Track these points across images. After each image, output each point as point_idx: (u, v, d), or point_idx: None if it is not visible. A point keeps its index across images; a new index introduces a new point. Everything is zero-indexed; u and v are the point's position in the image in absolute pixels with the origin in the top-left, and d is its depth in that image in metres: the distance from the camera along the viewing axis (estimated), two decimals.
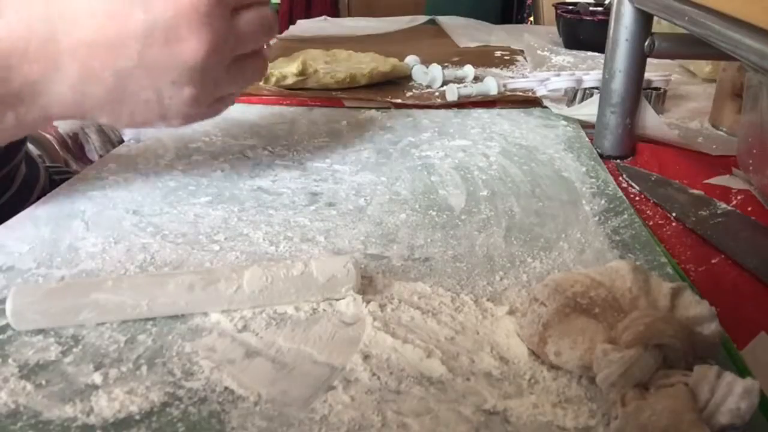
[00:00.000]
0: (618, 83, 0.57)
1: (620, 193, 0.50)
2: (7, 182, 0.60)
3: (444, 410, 0.28)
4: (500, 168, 0.55)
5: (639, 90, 0.58)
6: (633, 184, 0.53)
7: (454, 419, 0.27)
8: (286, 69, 0.76)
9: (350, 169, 0.54)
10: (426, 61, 0.86)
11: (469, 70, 0.83)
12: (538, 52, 1.02)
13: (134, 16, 0.36)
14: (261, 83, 0.76)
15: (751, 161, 0.52)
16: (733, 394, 0.25)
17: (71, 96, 0.38)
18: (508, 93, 0.75)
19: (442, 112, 0.70)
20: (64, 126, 0.84)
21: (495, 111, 0.70)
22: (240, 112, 0.68)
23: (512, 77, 0.84)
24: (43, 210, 0.45)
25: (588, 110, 0.64)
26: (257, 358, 0.31)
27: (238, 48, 0.41)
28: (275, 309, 0.34)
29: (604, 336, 0.28)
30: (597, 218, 0.46)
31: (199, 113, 0.43)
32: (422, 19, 1.29)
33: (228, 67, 0.41)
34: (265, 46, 0.46)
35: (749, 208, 0.49)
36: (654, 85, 0.72)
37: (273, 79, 0.76)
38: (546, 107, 0.70)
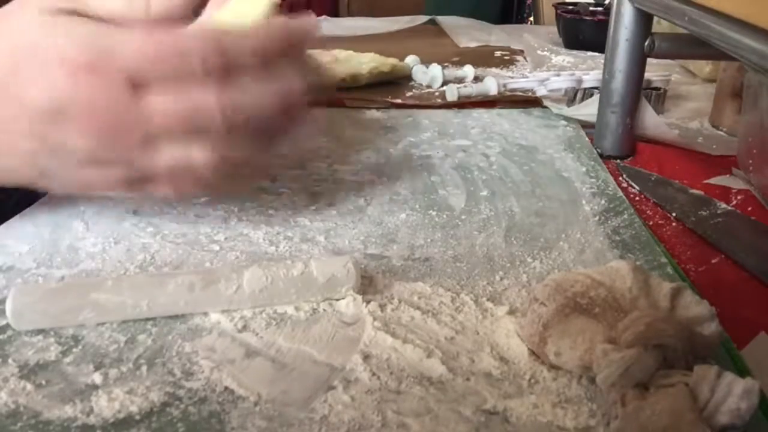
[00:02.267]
0: (618, 83, 0.57)
1: (620, 193, 0.50)
2: (10, 194, 0.60)
3: (444, 410, 0.28)
4: (500, 168, 0.55)
5: (639, 90, 0.58)
6: (633, 184, 0.53)
7: (454, 419, 0.27)
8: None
9: (350, 169, 0.54)
10: (426, 61, 0.86)
11: (469, 70, 0.83)
12: (538, 52, 1.02)
13: (19, 98, 0.34)
14: None
15: (751, 161, 0.52)
16: (733, 394, 0.25)
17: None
18: (508, 93, 0.75)
19: (442, 112, 0.70)
20: None
21: (495, 111, 0.70)
22: None
23: (512, 77, 0.83)
24: (43, 210, 0.45)
25: (588, 110, 0.64)
26: (257, 358, 0.31)
27: (150, 129, 0.34)
28: (275, 309, 0.34)
29: (604, 336, 0.28)
30: (597, 218, 0.46)
31: (128, 190, 0.37)
32: (422, 19, 1.29)
33: (142, 148, 0.34)
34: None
35: (749, 208, 0.49)
36: (654, 85, 0.72)
37: None
38: (546, 107, 0.70)
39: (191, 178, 0.36)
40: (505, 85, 0.76)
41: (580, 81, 0.72)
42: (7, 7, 0.36)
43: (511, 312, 0.34)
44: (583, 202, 0.48)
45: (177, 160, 0.35)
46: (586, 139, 0.62)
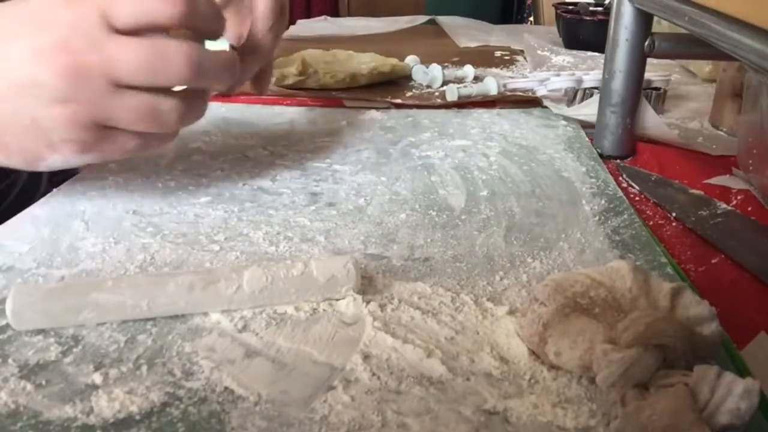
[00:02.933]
0: (618, 83, 0.57)
1: (620, 193, 0.50)
2: (7, 191, 0.60)
3: (444, 410, 0.28)
4: (500, 168, 0.55)
5: (639, 90, 0.58)
6: (633, 184, 0.53)
7: (454, 419, 0.27)
8: (286, 69, 0.76)
9: (350, 169, 0.54)
10: (426, 61, 0.86)
11: (469, 70, 0.83)
12: (538, 52, 1.02)
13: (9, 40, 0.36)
14: None
15: (751, 161, 0.52)
16: (733, 394, 0.25)
17: None
18: (508, 93, 0.75)
19: (442, 112, 0.70)
20: None
21: (495, 111, 0.70)
22: (240, 112, 0.68)
23: (512, 77, 0.83)
24: (43, 210, 0.45)
25: (588, 110, 0.64)
26: (257, 358, 0.31)
27: (117, 71, 0.36)
28: (275, 309, 0.34)
29: (604, 336, 0.28)
30: (597, 218, 0.46)
31: (89, 140, 0.38)
32: (422, 19, 1.29)
33: (110, 92, 0.37)
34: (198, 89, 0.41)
35: (749, 208, 0.49)
36: (654, 85, 0.72)
37: (273, 79, 0.76)
38: (546, 107, 0.70)
39: (155, 124, 0.39)
40: (505, 85, 0.76)
41: (580, 81, 0.72)
42: None
43: (511, 312, 0.34)
44: (583, 202, 0.48)
45: (144, 106, 0.38)
46: (586, 139, 0.62)
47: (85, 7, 0.36)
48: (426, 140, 0.61)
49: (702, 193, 0.51)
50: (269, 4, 0.47)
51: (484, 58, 0.97)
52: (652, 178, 0.54)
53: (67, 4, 0.36)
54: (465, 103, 0.73)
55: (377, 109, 0.70)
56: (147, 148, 0.41)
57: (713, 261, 0.42)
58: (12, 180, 0.61)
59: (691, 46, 0.53)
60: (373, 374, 0.30)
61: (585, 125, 0.65)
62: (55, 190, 0.48)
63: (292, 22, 1.30)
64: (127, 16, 0.36)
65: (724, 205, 0.49)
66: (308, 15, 2.48)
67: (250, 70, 0.49)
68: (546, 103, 0.71)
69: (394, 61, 0.82)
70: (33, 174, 0.64)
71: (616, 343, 0.28)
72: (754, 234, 0.45)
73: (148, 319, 0.33)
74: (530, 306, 0.32)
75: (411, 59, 0.87)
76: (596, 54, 0.99)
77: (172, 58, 0.37)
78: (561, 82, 0.73)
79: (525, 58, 0.99)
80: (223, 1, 0.48)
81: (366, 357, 0.31)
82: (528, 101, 0.73)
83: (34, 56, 0.36)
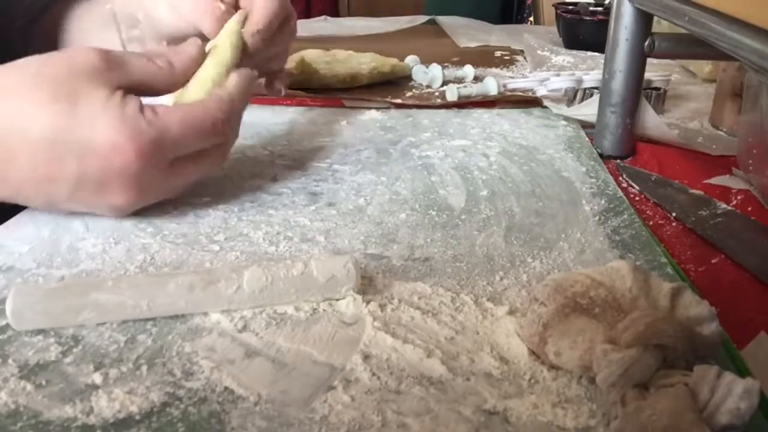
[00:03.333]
0: (618, 83, 0.57)
1: (620, 193, 0.50)
2: None
3: (444, 410, 0.28)
4: (500, 168, 0.55)
5: (639, 90, 0.58)
6: (633, 184, 0.53)
7: (454, 419, 0.27)
8: (286, 69, 0.76)
9: (350, 169, 0.54)
10: (426, 61, 0.86)
11: (469, 70, 0.83)
12: (538, 52, 1.02)
13: (67, 164, 0.38)
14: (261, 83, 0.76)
15: (751, 161, 0.52)
16: (733, 394, 0.25)
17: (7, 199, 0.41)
18: (508, 93, 0.75)
19: (442, 112, 0.70)
20: None
21: (495, 111, 0.70)
22: None
23: (512, 77, 0.84)
24: (43, 210, 0.45)
25: (588, 110, 0.64)
26: (257, 358, 0.31)
27: (170, 188, 0.44)
28: (275, 309, 0.34)
29: (604, 336, 0.28)
30: (597, 218, 0.46)
31: (140, 203, 0.43)
32: (422, 19, 1.29)
33: (168, 172, 0.42)
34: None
35: (749, 208, 0.49)
36: (654, 85, 0.72)
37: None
38: (546, 107, 0.70)
39: (204, 173, 0.46)
40: (505, 85, 0.76)
41: (580, 81, 0.72)
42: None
43: (511, 312, 0.34)
44: (583, 202, 0.48)
45: (192, 170, 0.44)
46: (586, 139, 0.62)
47: (139, 156, 0.39)
48: (426, 140, 0.61)
49: (702, 193, 0.51)
50: (267, 12, 0.49)
51: (484, 58, 0.97)
52: (652, 178, 0.54)
53: (122, 148, 0.39)
54: (465, 103, 0.73)
55: (377, 109, 0.70)
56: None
57: (713, 261, 0.42)
58: None
59: (691, 46, 0.53)
60: (373, 374, 0.30)
61: (585, 125, 0.65)
62: None
63: None
64: (176, 153, 0.42)
65: (724, 205, 0.49)
66: (308, 15, 2.48)
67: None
68: (546, 103, 0.71)
69: (394, 61, 0.82)
70: None
71: (616, 343, 0.28)
72: (754, 234, 0.45)
73: (148, 319, 0.33)
74: (530, 306, 0.32)
75: (411, 59, 0.87)
76: (596, 54, 0.99)
77: (214, 159, 0.45)
78: (561, 82, 0.73)
79: (525, 58, 0.99)
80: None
81: (366, 357, 0.31)
82: (528, 101, 0.73)
83: (98, 189, 0.40)
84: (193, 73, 0.44)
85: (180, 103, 0.43)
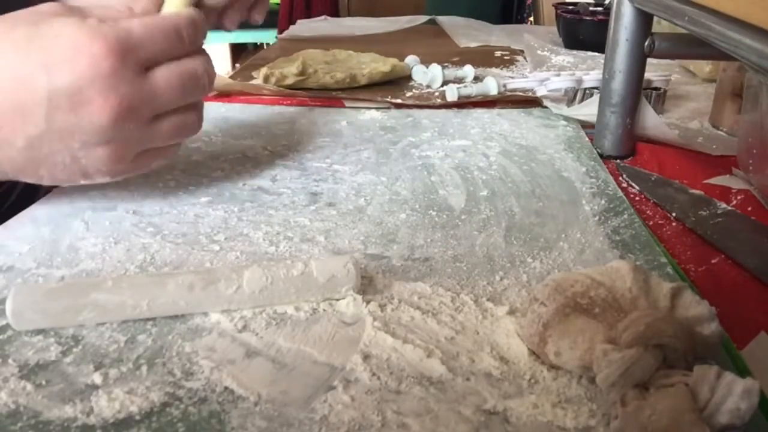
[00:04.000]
0: (618, 83, 0.57)
1: (620, 193, 0.50)
2: (8, 193, 0.60)
3: (444, 410, 0.28)
4: (500, 168, 0.55)
5: (639, 90, 0.58)
6: (633, 184, 0.53)
7: (454, 419, 0.27)
8: (286, 69, 0.76)
9: (350, 169, 0.54)
10: (426, 61, 0.86)
11: (469, 70, 0.83)
12: (538, 52, 1.02)
13: (37, 82, 0.36)
14: (261, 83, 0.76)
15: (751, 161, 0.52)
16: (733, 394, 0.25)
17: None
18: (508, 93, 0.75)
19: (442, 112, 0.70)
20: None
21: (495, 111, 0.70)
22: (240, 112, 0.68)
23: (512, 77, 0.84)
24: (43, 210, 0.45)
25: (588, 110, 0.64)
26: (257, 358, 0.31)
27: (157, 105, 0.40)
28: (275, 309, 0.34)
29: (604, 336, 0.28)
30: (597, 218, 0.46)
31: (124, 168, 0.41)
32: (422, 19, 1.29)
33: (149, 124, 0.40)
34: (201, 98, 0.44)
35: (749, 208, 0.49)
36: (654, 85, 0.72)
37: (273, 79, 0.76)
38: (546, 107, 0.70)
39: (185, 135, 0.44)
40: (505, 85, 0.76)
41: (580, 81, 0.72)
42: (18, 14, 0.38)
43: (511, 312, 0.34)
44: (583, 202, 0.48)
45: (176, 127, 0.42)
46: (586, 139, 0.62)
47: (107, 52, 0.37)
48: (426, 140, 0.61)
49: (702, 193, 0.51)
50: None
51: (484, 58, 0.97)
52: (652, 178, 0.54)
53: (88, 47, 0.36)
54: (465, 103, 0.73)
55: (377, 109, 0.70)
56: (172, 155, 0.45)
57: (713, 261, 0.42)
58: (13, 182, 0.61)
59: (691, 46, 0.53)
60: (373, 374, 0.30)
61: (585, 125, 0.65)
62: (55, 190, 0.48)
63: (292, 22, 1.30)
64: (149, 57, 0.39)
65: (724, 205, 0.49)
66: (308, 15, 2.48)
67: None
68: (546, 103, 0.71)
69: (394, 61, 0.82)
70: None
71: (616, 343, 0.28)
72: (754, 234, 0.45)
73: (148, 319, 0.33)
74: (530, 306, 0.32)
75: (411, 59, 0.87)
76: (596, 54, 0.99)
77: (198, 76, 0.42)
78: (561, 82, 0.73)
79: (525, 58, 0.99)
80: None
81: (366, 357, 0.31)
82: (528, 101, 0.73)
83: (74, 104, 0.37)
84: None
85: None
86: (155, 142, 0.42)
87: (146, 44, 0.39)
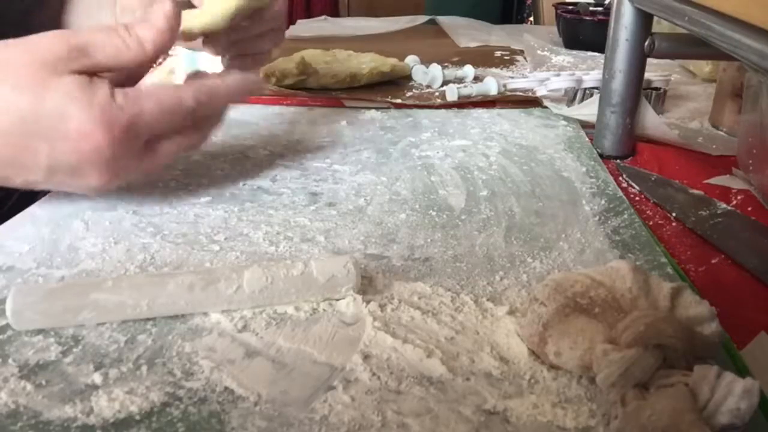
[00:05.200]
0: (618, 83, 0.57)
1: (620, 193, 0.50)
2: (9, 193, 0.60)
3: (444, 410, 0.28)
4: (500, 168, 0.55)
5: (639, 90, 0.58)
6: (633, 184, 0.53)
7: (454, 419, 0.27)
8: (286, 69, 0.76)
9: (350, 169, 0.54)
10: (426, 61, 0.86)
11: (469, 70, 0.83)
12: (538, 52, 1.02)
13: (39, 153, 0.38)
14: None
15: (751, 161, 0.52)
16: (733, 394, 0.25)
17: None
18: (508, 93, 0.75)
19: (442, 112, 0.70)
20: None
21: (495, 111, 0.70)
22: (240, 112, 0.68)
23: (512, 77, 0.84)
24: (43, 210, 0.45)
25: (588, 110, 0.64)
26: (257, 358, 0.31)
27: (148, 166, 0.42)
28: (275, 309, 0.34)
29: (604, 336, 0.28)
30: (597, 218, 0.46)
31: (119, 184, 0.43)
32: (422, 19, 1.29)
33: (146, 150, 0.41)
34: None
35: (749, 208, 0.49)
36: (654, 85, 0.72)
37: (273, 79, 0.76)
38: (546, 107, 0.70)
39: (185, 152, 0.46)
40: (505, 85, 0.76)
41: (580, 81, 0.72)
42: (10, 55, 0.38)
43: (511, 312, 0.34)
44: (583, 202, 0.48)
45: (173, 149, 0.43)
46: (586, 139, 0.62)
47: (112, 142, 0.38)
48: (426, 140, 0.61)
49: (702, 193, 0.51)
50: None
51: (484, 58, 0.97)
52: (652, 178, 0.54)
53: (92, 136, 0.38)
54: (465, 103, 0.73)
55: (377, 109, 0.70)
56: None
57: (713, 261, 0.42)
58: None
59: (691, 46, 0.53)
60: (373, 374, 0.30)
61: (585, 125, 0.65)
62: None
63: (292, 22, 1.30)
64: (151, 134, 0.41)
65: (724, 205, 0.49)
66: (308, 15, 2.48)
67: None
68: (546, 103, 0.71)
69: (394, 61, 0.82)
70: None
71: (616, 343, 0.28)
72: (754, 234, 0.45)
73: (148, 319, 0.33)
74: (530, 306, 0.32)
75: (411, 59, 0.87)
76: (596, 54, 0.99)
77: (196, 147, 0.45)
78: (561, 82, 0.73)
79: (525, 58, 0.99)
80: None
81: (366, 357, 0.31)
82: (528, 101, 0.73)
83: (73, 175, 0.39)
84: (166, 45, 0.41)
85: (192, 28, 0.44)
86: (154, 165, 0.43)
87: (152, 126, 0.40)
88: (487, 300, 0.36)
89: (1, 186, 0.41)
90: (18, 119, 0.37)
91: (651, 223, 0.47)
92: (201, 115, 0.42)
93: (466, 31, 1.18)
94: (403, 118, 0.67)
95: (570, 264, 0.40)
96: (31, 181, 0.40)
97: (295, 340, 0.32)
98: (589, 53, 1.01)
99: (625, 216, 0.46)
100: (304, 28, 1.24)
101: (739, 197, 0.51)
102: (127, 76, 0.42)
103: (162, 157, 0.43)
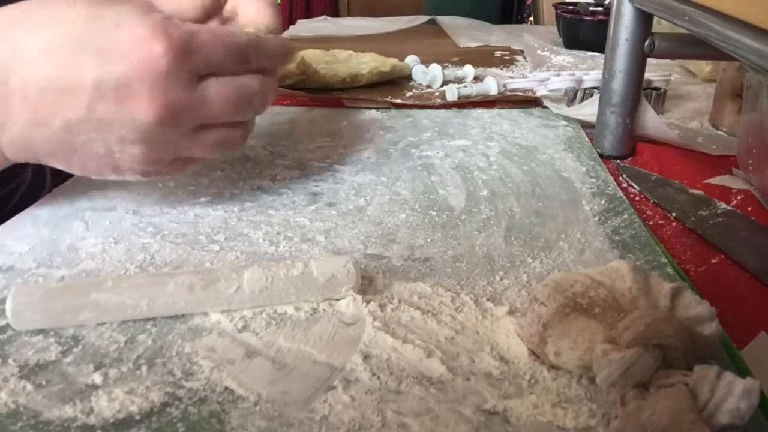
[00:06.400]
0: (618, 83, 0.57)
1: (620, 193, 0.50)
2: (11, 194, 0.60)
3: (444, 410, 0.28)
4: (500, 168, 0.55)
5: (639, 90, 0.58)
6: (633, 184, 0.53)
7: (454, 419, 0.27)
8: (286, 69, 0.76)
9: (350, 169, 0.54)
10: (426, 61, 0.86)
11: (469, 70, 0.83)
12: (538, 52, 1.02)
13: (87, 67, 0.35)
14: None
15: (751, 161, 0.52)
16: (733, 394, 0.25)
17: (22, 139, 0.37)
18: (508, 93, 0.75)
19: (442, 112, 0.70)
20: None
21: (495, 111, 0.70)
22: None
23: (512, 77, 0.84)
24: (43, 210, 0.45)
25: (588, 110, 0.64)
26: (257, 358, 0.31)
27: (203, 116, 0.38)
28: (275, 309, 0.34)
29: (604, 336, 0.28)
30: (597, 218, 0.46)
31: (156, 171, 0.40)
32: (422, 19, 1.29)
33: (191, 133, 0.39)
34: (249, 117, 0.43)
35: (749, 208, 0.49)
36: (654, 85, 0.72)
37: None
38: (546, 107, 0.70)
39: (225, 151, 0.43)
40: (505, 85, 0.76)
41: (580, 81, 0.72)
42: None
43: (511, 312, 0.34)
44: (583, 202, 0.48)
45: (219, 141, 0.41)
46: (586, 139, 0.62)
47: (167, 51, 0.35)
48: (426, 140, 0.61)
49: (702, 193, 0.51)
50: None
51: (484, 58, 0.97)
52: (652, 178, 0.54)
53: (147, 42, 0.35)
54: (465, 103, 0.73)
55: (377, 109, 0.70)
56: (206, 162, 0.44)
57: (713, 261, 0.42)
58: (17, 183, 0.61)
59: (691, 46, 0.53)
60: (373, 374, 0.30)
61: (585, 125, 0.65)
62: (55, 190, 0.48)
63: (292, 22, 1.30)
64: (207, 65, 0.37)
65: (724, 205, 0.49)
66: (308, 15, 2.48)
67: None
68: (546, 103, 0.71)
69: (394, 61, 0.82)
70: (37, 176, 0.64)
71: (616, 343, 0.28)
72: (754, 234, 0.45)
73: (148, 319, 0.33)
74: (530, 306, 0.32)
75: (411, 59, 0.87)
76: (596, 54, 0.99)
77: (252, 95, 0.40)
78: (561, 82, 0.73)
79: (525, 58, 0.99)
80: None
81: (366, 357, 0.31)
82: (528, 101, 0.73)
83: (120, 97, 0.35)
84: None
85: None
86: (194, 151, 0.40)
87: (207, 52, 0.37)
88: (487, 300, 0.36)
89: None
90: (67, 27, 0.35)
91: (651, 223, 0.47)
92: (254, 67, 0.40)
93: (466, 31, 1.18)
94: (403, 118, 0.67)
95: (570, 264, 0.40)
96: (71, 121, 0.36)
97: (295, 340, 0.32)
98: (589, 53, 1.01)
99: (625, 216, 0.46)
100: (304, 28, 1.24)
101: (739, 197, 0.51)
102: None
103: (206, 146, 0.40)
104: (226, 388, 0.29)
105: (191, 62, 0.36)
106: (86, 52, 0.35)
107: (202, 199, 0.48)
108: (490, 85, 0.74)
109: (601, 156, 0.58)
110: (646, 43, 0.54)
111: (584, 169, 0.55)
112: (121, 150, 0.38)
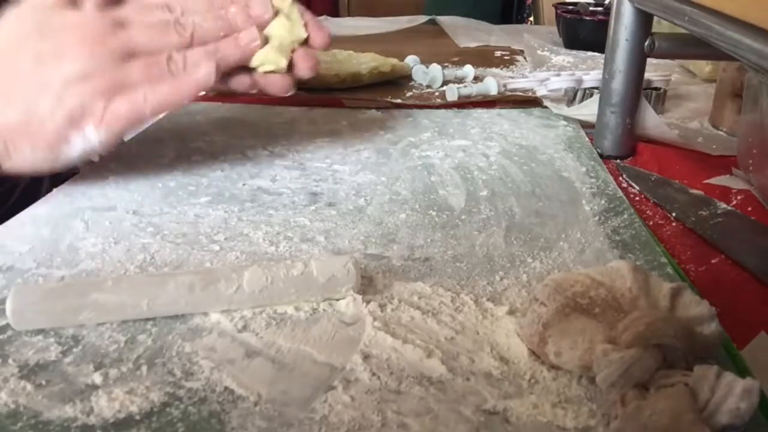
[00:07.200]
0: (618, 83, 0.57)
1: (620, 193, 0.50)
2: (9, 194, 0.60)
3: (444, 410, 0.28)
4: (500, 168, 0.55)
5: (639, 90, 0.58)
6: (633, 184, 0.53)
7: (454, 419, 0.27)
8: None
9: (350, 169, 0.54)
10: (426, 61, 0.86)
11: (469, 70, 0.83)
12: (538, 52, 1.02)
13: (29, 39, 0.42)
14: None
15: (751, 161, 0.52)
16: (733, 394, 0.25)
17: None
18: (508, 93, 0.75)
19: (442, 112, 0.70)
20: None
21: (495, 111, 0.70)
22: (240, 112, 0.68)
23: (512, 77, 0.83)
24: (43, 210, 0.45)
25: (588, 110, 0.64)
26: (257, 358, 0.31)
27: (127, 39, 0.43)
28: (275, 309, 0.34)
29: (604, 336, 0.28)
30: (597, 218, 0.46)
31: (112, 116, 0.42)
32: (422, 19, 1.29)
33: (122, 58, 0.42)
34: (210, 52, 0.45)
35: (749, 208, 0.49)
36: (654, 85, 0.72)
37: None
38: (546, 107, 0.70)
39: (166, 74, 0.44)
40: (505, 85, 0.76)
41: (580, 81, 0.72)
42: None
43: (511, 312, 0.34)
44: (583, 202, 0.48)
45: (150, 66, 0.43)
46: (586, 139, 0.62)
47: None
48: (426, 140, 0.61)
49: (702, 193, 0.51)
50: None
51: (484, 58, 0.97)
52: (652, 178, 0.54)
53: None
54: (465, 103, 0.73)
55: (377, 109, 0.70)
56: (164, 106, 0.45)
57: (713, 261, 0.42)
58: (14, 183, 0.61)
59: (691, 46, 0.53)
60: (373, 374, 0.30)
61: (585, 125, 0.65)
62: (55, 190, 0.48)
63: None
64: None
65: (724, 205, 0.49)
66: None
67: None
68: (546, 103, 0.71)
69: (394, 61, 0.82)
70: (36, 176, 0.64)
71: (616, 343, 0.28)
72: (754, 234, 0.45)
73: (148, 319, 0.33)
74: (530, 306, 0.32)
75: (411, 59, 0.87)
76: (596, 54, 0.99)
77: (169, 22, 0.44)
78: (561, 82, 0.73)
79: (525, 58, 0.99)
80: None
81: (366, 357, 0.31)
82: (528, 101, 0.73)
83: (56, 56, 0.41)
84: None
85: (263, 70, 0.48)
86: (132, 77, 0.43)
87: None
88: (487, 300, 0.36)
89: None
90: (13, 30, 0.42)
91: (651, 223, 0.47)
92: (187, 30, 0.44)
93: (466, 31, 1.18)
94: (403, 118, 0.67)
95: (570, 264, 0.40)
96: (21, 75, 0.41)
97: (295, 340, 0.32)
98: (589, 53, 1.01)
99: (625, 216, 0.46)
100: None
101: (739, 197, 0.51)
102: None
103: (139, 73, 0.43)
104: (226, 388, 0.29)
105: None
106: (28, 37, 0.42)
107: (202, 199, 0.48)
108: (490, 85, 0.74)
109: (601, 156, 0.58)
110: (646, 43, 0.54)
111: (584, 169, 0.55)
112: (69, 93, 0.41)
